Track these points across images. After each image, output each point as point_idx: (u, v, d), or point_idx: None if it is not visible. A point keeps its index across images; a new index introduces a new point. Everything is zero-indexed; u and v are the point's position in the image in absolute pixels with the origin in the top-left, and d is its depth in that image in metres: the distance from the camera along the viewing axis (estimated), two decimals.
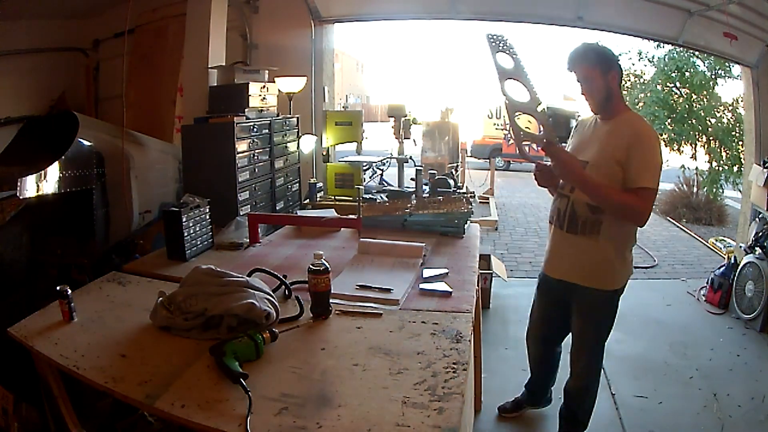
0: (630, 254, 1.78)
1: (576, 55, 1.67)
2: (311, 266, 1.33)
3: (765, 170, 3.37)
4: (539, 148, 1.64)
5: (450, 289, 1.50)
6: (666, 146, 7.04)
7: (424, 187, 3.04)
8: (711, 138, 6.69)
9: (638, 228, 1.72)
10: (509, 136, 10.91)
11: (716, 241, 4.83)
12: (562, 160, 1.62)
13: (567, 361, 1.99)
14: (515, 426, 2.20)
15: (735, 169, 6.23)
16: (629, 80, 7.68)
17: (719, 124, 6.72)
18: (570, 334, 1.93)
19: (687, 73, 6.83)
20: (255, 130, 2.66)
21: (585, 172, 1.62)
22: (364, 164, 3.28)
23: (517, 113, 1.64)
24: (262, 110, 2.82)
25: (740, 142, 6.10)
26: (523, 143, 1.67)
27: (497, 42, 1.59)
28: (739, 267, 3.33)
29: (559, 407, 2.05)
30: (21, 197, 2.12)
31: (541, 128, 1.63)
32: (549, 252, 1.88)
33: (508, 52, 1.59)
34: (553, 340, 2.06)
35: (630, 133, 1.61)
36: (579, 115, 10.27)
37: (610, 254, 1.70)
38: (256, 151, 2.69)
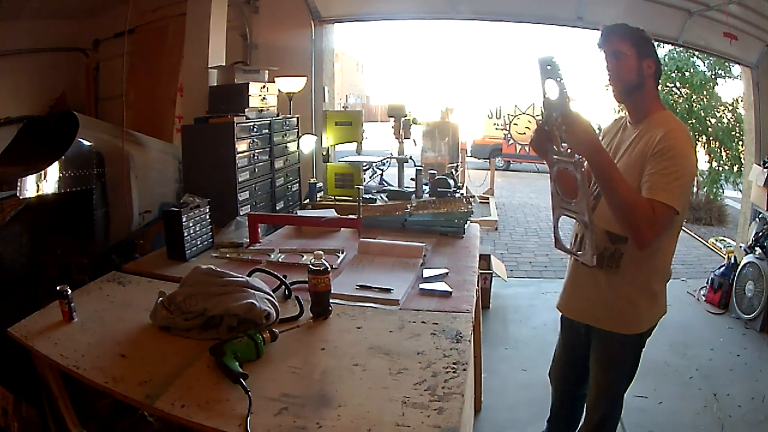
0: (661, 288, 1.49)
1: (613, 28, 1.39)
2: (311, 266, 1.33)
3: (765, 170, 3.37)
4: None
5: (450, 289, 1.50)
6: None
7: (424, 187, 3.04)
8: (711, 138, 6.69)
9: (670, 256, 1.43)
10: (509, 136, 10.94)
11: (716, 241, 4.83)
12: (579, 124, 1.23)
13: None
14: (515, 427, 2.20)
15: (735, 169, 6.23)
16: None
17: (719, 124, 6.72)
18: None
19: (687, 73, 6.84)
20: (255, 130, 2.66)
21: (605, 159, 1.26)
22: (364, 164, 3.27)
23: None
24: (262, 110, 2.82)
25: (740, 142, 6.10)
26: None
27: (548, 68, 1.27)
28: (739, 267, 3.33)
29: None
30: (21, 197, 2.12)
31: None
32: (564, 286, 1.62)
33: (557, 80, 1.26)
34: (578, 381, 1.74)
35: (657, 141, 1.29)
36: None
37: (632, 292, 1.43)
38: (256, 151, 2.69)
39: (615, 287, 1.44)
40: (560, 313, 1.70)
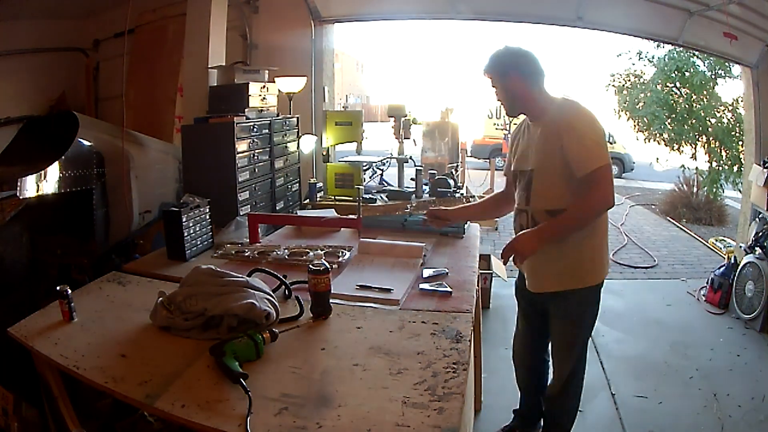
0: (605, 244, 1.72)
1: (484, 67, 1.69)
2: (311, 266, 1.33)
3: (765, 170, 3.37)
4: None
5: (450, 289, 1.50)
6: (666, 146, 7.04)
7: (424, 187, 3.04)
8: (711, 138, 6.67)
9: (606, 210, 1.63)
10: (509, 136, 10.94)
11: (716, 241, 4.82)
12: (520, 242, 1.58)
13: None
14: None
15: (735, 169, 6.22)
16: (629, 80, 7.68)
17: (719, 124, 6.70)
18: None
19: (687, 73, 6.82)
20: (255, 130, 2.66)
21: (542, 228, 1.58)
22: (364, 164, 3.27)
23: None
24: (262, 110, 2.82)
25: (740, 142, 6.08)
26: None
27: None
28: (739, 267, 3.33)
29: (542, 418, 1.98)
30: (21, 197, 2.12)
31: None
32: (525, 269, 1.79)
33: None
34: (541, 349, 1.94)
35: (559, 125, 1.57)
36: None
37: (583, 250, 1.64)
38: (256, 151, 2.69)
39: (568, 252, 1.63)
40: (518, 298, 1.93)
